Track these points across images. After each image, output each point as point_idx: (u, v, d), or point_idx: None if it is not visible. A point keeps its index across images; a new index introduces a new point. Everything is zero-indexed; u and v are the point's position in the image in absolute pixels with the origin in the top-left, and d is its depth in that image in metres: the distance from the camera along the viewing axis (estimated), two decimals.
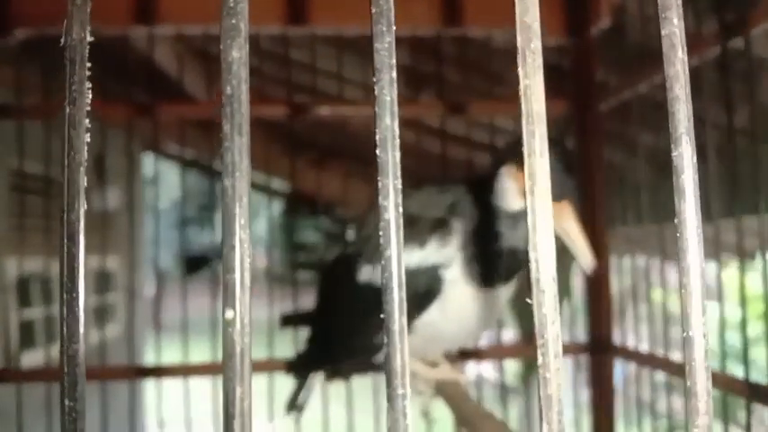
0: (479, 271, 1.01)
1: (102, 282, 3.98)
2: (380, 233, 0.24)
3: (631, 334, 1.52)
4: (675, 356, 1.34)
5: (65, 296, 0.23)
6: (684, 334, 0.26)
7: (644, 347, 1.45)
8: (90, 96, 0.24)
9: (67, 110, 0.23)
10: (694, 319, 0.26)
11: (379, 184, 0.24)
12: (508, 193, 0.97)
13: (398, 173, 0.24)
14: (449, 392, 1.01)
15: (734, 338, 1.27)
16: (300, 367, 1.21)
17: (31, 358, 3.24)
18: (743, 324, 1.12)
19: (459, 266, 1.01)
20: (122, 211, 3.80)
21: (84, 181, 0.23)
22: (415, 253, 1.00)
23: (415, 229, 1.01)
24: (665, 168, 1.42)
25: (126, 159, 3.24)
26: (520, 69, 0.25)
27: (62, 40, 0.24)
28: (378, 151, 0.24)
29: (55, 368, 1.69)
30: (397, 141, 0.24)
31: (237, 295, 0.23)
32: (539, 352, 0.24)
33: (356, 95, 2.13)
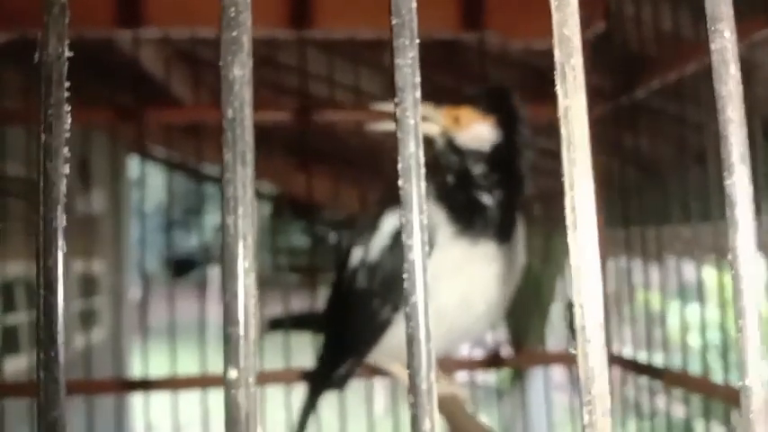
0: (468, 219, 0.94)
1: (87, 286, 3.92)
2: (405, 276, 0.21)
3: (615, 336, 1.51)
4: (657, 358, 1.34)
5: (41, 332, 0.20)
6: (741, 383, 0.24)
7: (628, 350, 1.44)
8: (69, 121, 0.21)
9: (43, 138, 0.20)
10: (751, 366, 0.23)
11: (402, 219, 0.21)
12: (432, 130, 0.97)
13: (424, 207, 0.21)
14: (446, 407, 0.98)
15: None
16: (321, 384, 1.16)
17: (15, 364, 3.18)
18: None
19: (443, 218, 0.94)
20: (107, 215, 3.75)
21: (62, 219, 0.20)
22: (376, 239, 0.98)
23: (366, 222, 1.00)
24: (651, 173, 1.40)
25: (111, 163, 3.19)
26: (558, 88, 0.22)
27: (36, 56, 0.21)
28: (401, 182, 0.21)
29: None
30: (423, 171, 0.21)
31: (241, 352, 0.20)
32: (584, 410, 0.22)
33: (346, 99, 2.10)
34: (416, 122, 0.21)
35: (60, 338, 0.20)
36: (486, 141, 0.99)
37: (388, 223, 0.98)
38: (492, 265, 0.97)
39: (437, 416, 0.21)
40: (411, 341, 0.21)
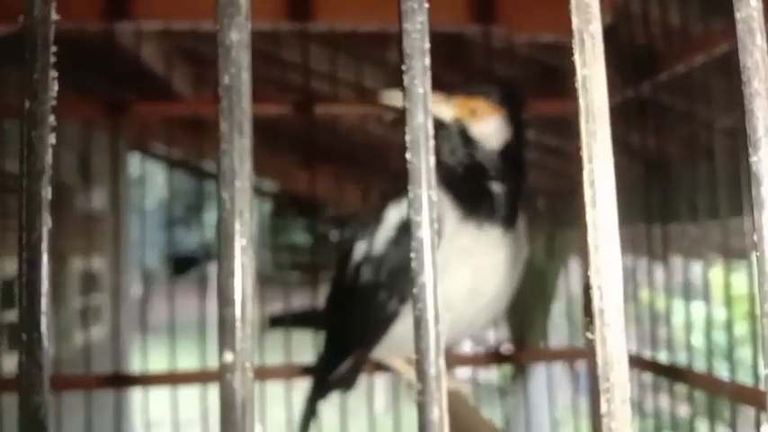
0: (474, 205, 0.95)
1: (87, 283, 3.91)
2: (413, 255, 0.20)
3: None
4: (662, 357, 1.34)
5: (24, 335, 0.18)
6: (766, 370, 0.22)
7: (632, 348, 1.43)
8: (56, 89, 0.19)
9: (27, 105, 0.19)
10: None
11: (410, 194, 0.20)
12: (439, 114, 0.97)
13: (433, 181, 0.20)
14: (451, 403, 0.97)
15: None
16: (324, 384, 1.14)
17: (14, 361, 3.18)
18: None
19: (449, 204, 0.95)
20: (108, 212, 3.73)
21: (48, 193, 0.19)
22: (380, 231, 0.98)
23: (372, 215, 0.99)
24: (656, 168, 1.39)
25: (111, 160, 3.17)
26: (576, 57, 0.21)
27: (20, 18, 0.19)
28: (408, 155, 0.20)
29: None
30: (432, 143, 0.20)
31: (238, 334, 0.18)
32: (602, 398, 0.20)
33: (349, 96, 2.08)
34: (426, 91, 0.20)
35: (44, 320, 0.19)
36: (498, 133, 1.00)
37: (393, 215, 0.98)
38: (499, 250, 0.97)
39: (446, 403, 0.19)
40: (419, 323, 0.19)
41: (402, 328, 0.97)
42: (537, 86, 1.74)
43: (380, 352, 1.04)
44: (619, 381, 0.20)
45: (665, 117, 1.42)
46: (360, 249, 1.01)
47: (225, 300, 0.19)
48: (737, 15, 0.23)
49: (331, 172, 2.57)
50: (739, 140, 1.13)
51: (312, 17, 1.40)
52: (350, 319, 1.05)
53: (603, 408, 0.20)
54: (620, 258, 0.20)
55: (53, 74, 0.19)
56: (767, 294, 0.22)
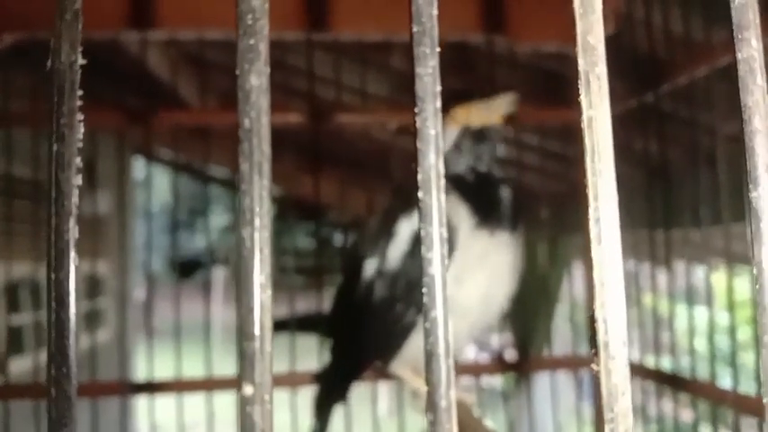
0: (485, 211, 0.98)
1: (92, 287, 3.92)
2: (424, 291, 0.20)
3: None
4: (665, 362, 1.34)
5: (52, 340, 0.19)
6: (765, 400, 0.23)
7: (635, 354, 1.44)
8: (82, 130, 0.20)
9: (55, 148, 0.19)
10: None
11: (422, 232, 0.21)
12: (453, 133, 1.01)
13: (444, 219, 0.21)
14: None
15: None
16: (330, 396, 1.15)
17: (21, 365, 3.19)
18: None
19: (465, 211, 0.98)
20: (113, 216, 3.75)
21: (75, 232, 0.19)
22: (393, 245, 0.98)
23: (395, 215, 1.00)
24: (659, 174, 1.40)
25: (117, 164, 3.19)
26: (582, 98, 0.22)
27: (48, 63, 0.20)
28: (420, 194, 0.21)
29: (43, 378, 1.65)
30: (443, 183, 0.21)
31: (257, 368, 0.19)
32: (606, 428, 0.21)
33: (353, 101, 2.09)
34: (437, 133, 0.21)
35: (72, 354, 0.20)
36: (501, 138, 1.05)
37: (405, 228, 0.99)
38: (508, 253, 1.01)
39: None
40: (430, 357, 0.20)
41: (419, 337, 0.98)
42: (540, 94, 1.75)
43: (398, 363, 1.05)
44: (622, 411, 0.21)
45: (668, 124, 1.43)
46: (371, 266, 1.02)
47: (245, 334, 0.20)
48: (738, 56, 0.24)
49: (335, 177, 2.57)
50: (742, 147, 1.14)
51: (318, 27, 1.41)
52: (364, 334, 1.05)
53: None
54: (624, 294, 0.21)
55: (80, 117, 0.20)
56: (766, 326, 0.23)
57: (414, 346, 1.00)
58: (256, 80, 0.20)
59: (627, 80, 1.40)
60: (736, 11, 0.24)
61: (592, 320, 0.22)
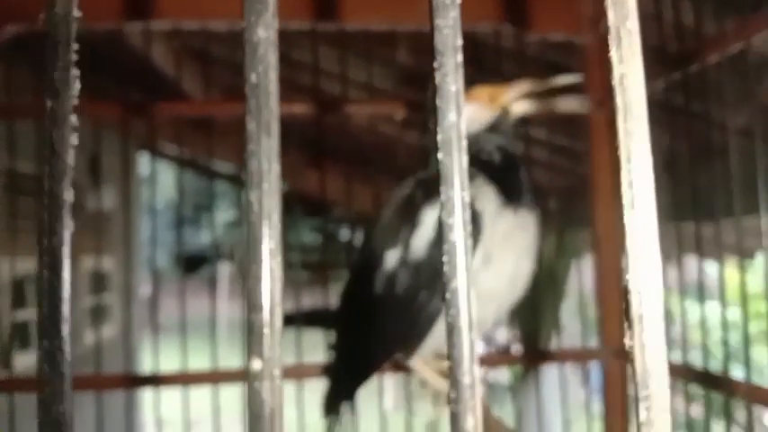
0: (509, 191, 1.00)
1: (97, 282, 3.92)
2: (445, 259, 0.19)
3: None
4: (676, 357, 1.33)
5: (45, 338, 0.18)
6: None
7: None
8: (78, 87, 0.19)
9: (49, 104, 0.18)
10: None
11: (443, 196, 0.19)
12: (472, 115, 1.02)
13: (467, 182, 0.19)
14: None
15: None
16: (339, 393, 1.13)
17: (26, 360, 3.19)
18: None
19: (492, 191, 0.99)
20: (118, 212, 3.74)
21: (70, 194, 0.18)
22: (418, 234, 0.97)
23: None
24: (669, 168, 1.38)
25: (122, 160, 3.18)
26: (613, 54, 0.20)
27: (41, 16, 0.19)
28: (440, 155, 0.19)
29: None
30: (465, 143, 0.19)
31: (266, 341, 0.18)
32: (641, 406, 0.19)
33: (359, 96, 2.08)
34: (458, 89, 0.19)
35: (66, 328, 0.18)
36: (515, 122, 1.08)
37: (430, 216, 0.98)
38: (530, 232, 1.02)
39: (480, 412, 0.19)
40: (452, 330, 0.19)
41: (444, 325, 0.97)
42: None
43: (422, 353, 1.04)
44: (658, 389, 0.19)
45: (679, 116, 1.41)
46: (392, 257, 1.00)
47: (253, 305, 0.18)
48: None
49: (340, 171, 2.56)
50: (754, 139, 1.12)
51: (324, 17, 1.39)
52: (382, 328, 1.03)
53: (642, 416, 0.19)
54: (660, 263, 0.20)
55: (75, 72, 0.19)
56: None
57: (438, 334, 1.00)
58: (264, 32, 0.19)
59: None
60: None
61: (626, 292, 0.20)
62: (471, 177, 0.98)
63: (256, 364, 0.18)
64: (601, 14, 0.92)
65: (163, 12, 1.42)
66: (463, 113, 0.19)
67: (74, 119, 0.18)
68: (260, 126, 0.18)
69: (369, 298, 1.03)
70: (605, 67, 1.33)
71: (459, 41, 0.19)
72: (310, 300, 1.90)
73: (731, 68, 1.13)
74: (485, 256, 0.96)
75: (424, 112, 1.13)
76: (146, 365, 3.84)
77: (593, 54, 1.46)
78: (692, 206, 1.37)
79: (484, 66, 1.69)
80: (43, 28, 0.19)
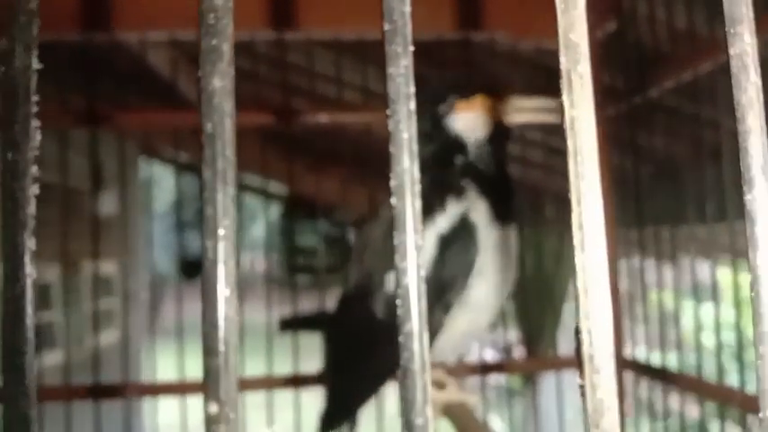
0: (497, 202, 1.01)
1: (98, 287, 3.92)
2: (398, 302, 0.19)
3: (628, 337, 1.50)
4: (671, 358, 1.33)
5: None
6: (761, 415, 0.22)
7: (641, 350, 1.44)
8: (38, 138, 0.19)
9: (9, 156, 0.18)
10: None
11: (395, 240, 0.20)
12: (472, 124, 1.03)
13: (419, 226, 0.20)
14: (456, 415, 0.96)
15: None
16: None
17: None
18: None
19: (484, 207, 1.00)
20: (119, 217, 3.75)
21: (31, 243, 0.18)
22: (428, 234, 0.98)
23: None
24: (666, 172, 1.38)
25: (122, 164, 3.19)
26: (564, 97, 0.21)
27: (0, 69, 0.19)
28: (393, 200, 0.20)
29: (44, 381, 1.65)
30: (418, 188, 0.20)
31: (222, 385, 0.18)
32: None
33: (354, 99, 2.08)
34: (410, 136, 0.20)
35: (31, 370, 0.19)
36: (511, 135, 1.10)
37: (430, 235, 0.98)
38: (512, 243, 1.03)
39: None
40: (405, 373, 0.19)
41: (444, 337, 1.00)
42: (542, 90, 1.74)
43: None
44: (610, 427, 0.20)
45: (672, 119, 1.41)
46: (391, 281, 1.00)
47: (208, 351, 0.19)
48: (731, 51, 0.23)
49: (337, 175, 2.56)
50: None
51: (310, 24, 1.40)
52: (386, 347, 1.03)
53: None
54: (611, 304, 0.20)
55: (35, 123, 0.19)
56: (762, 336, 0.22)
57: (438, 347, 1.01)
58: (219, 82, 0.19)
59: (630, 76, 1.39)
60: (728, 4, 0.23)
61: (576, 332, 0.21)
62: (464, 189, 1.00)
63: (213, 408, 0.18)
64: (597, 21, 0.93)
65: (160, 21, 1.43)
66: (416, 159, 0.20)
67: (35, 170, 0.19)
68: (216, 174, 0.19)
69: (368, 319, 1.02)
70: (600, 72, 1.33)
71: (412, 89, 0.20)
72: (310, 303, 1.90)
73: (725, 72, 1.14)
74: (478, 268, 0.96)
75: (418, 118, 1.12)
76: (145, 370, 3.85)
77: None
78: (688, 209, 1.38)
79: (479, 71, 1.69)
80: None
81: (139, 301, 4.63)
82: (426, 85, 1.07)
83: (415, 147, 0.20)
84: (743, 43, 0.22)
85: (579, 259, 0.20)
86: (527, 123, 1.46)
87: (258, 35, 1.44)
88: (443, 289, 0.96)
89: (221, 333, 0.19)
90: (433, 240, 0.98)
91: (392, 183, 0.20)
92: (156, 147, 3.71)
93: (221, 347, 0.18)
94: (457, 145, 1.04)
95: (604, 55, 1.46)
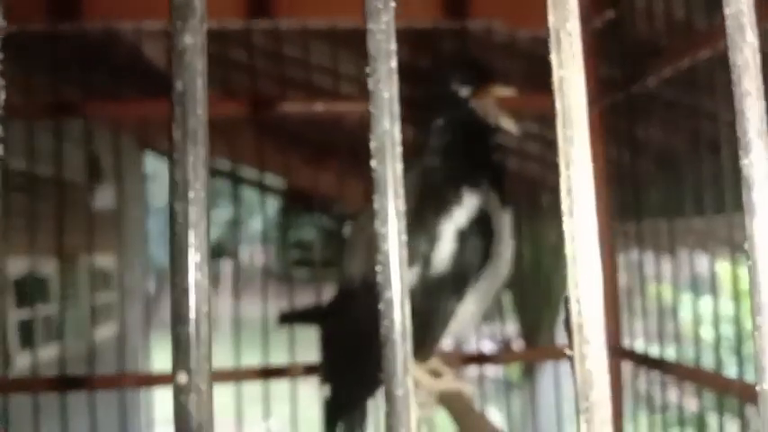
0: (501, 187, 1.05)
1: (97, 281, 3.92)
2: (378, 269, 0.19)
3: (627, 329, 1.50)
4: (670, 351, 1.33)
5: None
6: (758, 387, 0.21)
7: (639, 343, 1.44)
8: (3, 97, 0.18)
9: None
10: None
11: (376, 204, 0.19)
12: (491, 110, 1.06)
13: (400, 190, 0.19)
14: (452, 404, 0.95)
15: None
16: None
17: (25, 360, 3.19)
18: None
19: (495, 194, 1.04)
20: (115, 210, 3.74)
21: None
22: (438, 249, 0.98)
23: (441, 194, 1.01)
24: (664, 164, 1.37)
25: (122, 158, 3.18)
26: (552, 57, 0.20)
27: None
28: (373, 163, 0.19)
29: (43, 375, 1.64)
30: (399, 150, 0.19)
31: (192, 354, 0.17)
32: (581, 418, 0.19)
33: (351, 91, 2.07)
34: (391, 96, 0.19)
35: None
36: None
37: (448, 228, 0.99)
38: (509, 226, 1.06)
39: (414, 426, 0.18)
40: (385, 342, 0.18)
41: (454, 324, 1.02)
42: (540, 81, 1.73)
43: (427, 355, 1.05)
44: (599, 400, 0.19)
45: (670, 110, 1.40)
46: (410, 274, 1.00)
47: (178, 318, 0.18)
48: (726, 11, 0.22)
49: (334, 168, 2.55)
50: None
51: (305, 13, 1.39)
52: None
53: (583, 429, 0.19)
54: (600, 271, 0.19)
55: (0, 81, 0.18)
56: (760, 306, 0.21)
57: (448, 332, 1.03)
58: (190, 39, 0.18)
59: (627, 66, 1.38)
60: None
61: (566, 301, 0.20)
62: (479, 178, 1.01)
63: (182, 378, 0.18)
64: (592, 10, 0.92)
65: (155, 12, 1.42)
66: (397, 120, 0.19)
67: None
68: (186, 134, 0.18)
69: (374, 310, 1.01)
70: (596, 63, 1.32)
71: (393, 46, 0.19)
72: (308, 296, 1.90)
73: (723, 62, 1.13)
74: (490, 256, 0.99)
75: (417, 108, 1.13)
76: (145, 363, 3.85)
77: (583, 50, 1.45)
78: (686, 201, 1.37)
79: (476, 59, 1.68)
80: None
81: (137, 294, 4.62)
82: (452, 68, 1.09)
83: (396, 108, 0.19)
84: (739, 2, 0.21)
85: (568, 225, 0.19)
86: (524, 112, 1.46)
87: (252, 23, 1.43)
88: (462, 281, 0.97)
89: (192, 300, 0.18)
90: (451, 234, 0.98)
91: (372, 144, 0.19)
92: (153, 139, 3.70)
93: (192, 315, 0.18)
94: (480, 129, 1.06)
95: (601, 45, 1.45)
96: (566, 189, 0.19)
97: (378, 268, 0.19)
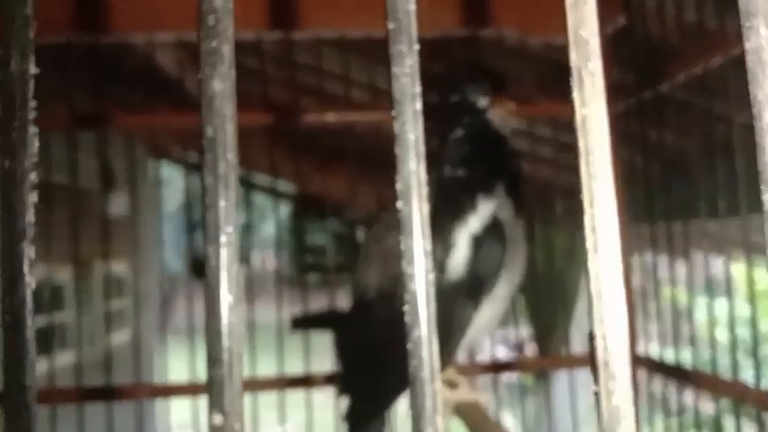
0: (516, 197, 1.05)
1: (110, 288, 3.94)
2: (406, 308, 0.19)
3: (641, 333, 1.50)
4: (685, 354, 1.33)
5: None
6: None
7: (654, 346, 1.43)
8: (37, 145, 0.19)
9: (6, 165, 0.18)
10: None
11: (402, 246, 0.19)
12: (506, 120, 1.08)
13: (427, 231, 0.19)
14: (468, 414, 0.95)
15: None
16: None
17: (41, 368, 3.21)
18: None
19: (510, 203, 1.04)
20: (128, 217, 3.76)
21: (31, 252, 0.18)
22: (453, 256, 0.98)
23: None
24: (677, 167, 1.37)
25: (130, 165, 3.20)
26: (575, 95, 0.20)
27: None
28: (400, 204, 0.19)
29: (60, 386, 1.65)
30: (425, 191, 0.19)
31: (226, 395, 0.18)
32: None
33: (362, 98, 2.07)
34: (417, 138, 0.19)
35: (32, 381, 0.18)
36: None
37: (462, 235, 0.99)
38: (522, 233, 1.06)
39: None
40: (414, 381, 0.19)
41: (470, 333, 1.01)
42: (553, 86, 1.73)
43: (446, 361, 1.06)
44: None
45: (683, 114, 1.40)
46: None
47: (212, 360, 0.18)
48: (747, 45, 0.22)
49: (346, 173, 2.56)
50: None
51: (317, 24, 1.39)
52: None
53: None
54: (625, 308, 0.19)
55: (33, 130, 0.19)
56: None
57: (465, 341, 1.03)
58: (219, 85, 0.19)
59: (641, 71, 1.37)
60: None
61: (590, 337, 0.20)
62: (494, 186, 1.01)
63: (217, 419, 0.18)
64: (605, 16, 0.92)
65: (166, 23, 1.43)
66: (422, 161, 0.19)
67: (33, 177, 0.18)
68: (218, 180, 0.18)
69: (394, 321, 1.00)
70: (609, 68, 1.32)
71: (418, 89, 0.19)
72: (321, 301, 1.90)
73: (735, 66, 1.13)
74: (505, 263, 0.99)
75: (434, 119, 1.13)
76: (158, 369, 3.86)
77: None
78: (700, 204, 1.36)
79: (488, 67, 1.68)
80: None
81: (151, 301, 4.65)
82: (467, 77, 1.09)
83: (422, 148, 0.19)
84: (759, 37, 0.21)
85: (593, 263, 0.19)
86: (535, 115, 1.46)
87: (264, 35, 1.44)
88: (477, 288, 0.98)
89: (225, 341, 0.18)
90: (466, 241, 0.99)
91: (398, 186, 0.19)
92: (165, 147, 3.72)
93: (225, 356, 0.18)
94: (495, 139, 1.06)
95: (614, 50, 1.45)
96: (590, 227, 0.19)
97: (405, 308, 0.19)
